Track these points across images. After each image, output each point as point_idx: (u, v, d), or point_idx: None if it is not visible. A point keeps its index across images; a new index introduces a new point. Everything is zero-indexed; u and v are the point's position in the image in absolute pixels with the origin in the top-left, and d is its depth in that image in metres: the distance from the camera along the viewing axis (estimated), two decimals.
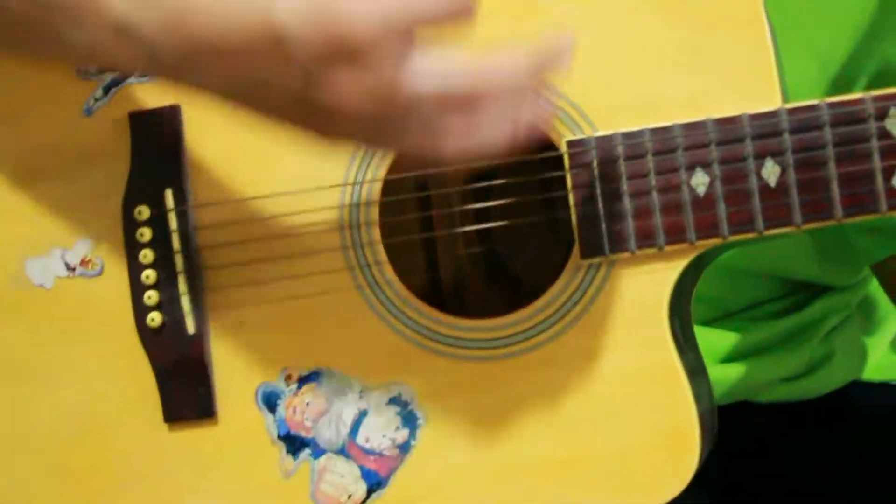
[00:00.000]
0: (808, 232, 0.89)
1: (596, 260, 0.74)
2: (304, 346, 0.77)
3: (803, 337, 0.94)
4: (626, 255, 0.74)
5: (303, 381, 0.78)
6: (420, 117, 0.63)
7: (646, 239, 0.73)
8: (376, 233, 0.76)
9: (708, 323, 0.93)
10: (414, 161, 0.66)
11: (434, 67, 0.62)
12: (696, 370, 0.77)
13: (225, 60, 0.63)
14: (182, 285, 0.78)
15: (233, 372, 0.78)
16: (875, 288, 1.01)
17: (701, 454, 0.74)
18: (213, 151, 0.78)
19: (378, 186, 0.76)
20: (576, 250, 0.74)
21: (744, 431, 0.94)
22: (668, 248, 0.73)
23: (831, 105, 0.71)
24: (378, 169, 0.76)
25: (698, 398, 0.75)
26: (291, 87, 0.62)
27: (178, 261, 0.78)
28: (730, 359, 0.93)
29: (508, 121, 0.64)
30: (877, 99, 0.70)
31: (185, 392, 0.78)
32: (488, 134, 0.64)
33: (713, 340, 0.92)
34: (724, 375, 0.91)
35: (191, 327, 0.78)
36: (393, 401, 0.77)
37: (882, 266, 1.00)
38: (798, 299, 0.95)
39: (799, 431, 0.93)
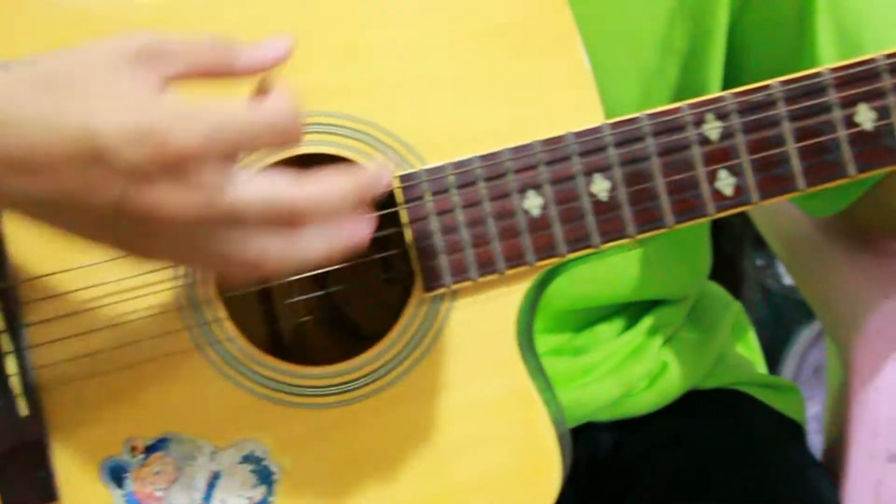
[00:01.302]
0: (652, 248, 0.91)
1: (439, 292, 0.72)
2: (148, 413, 0.73)
3: (639, 352, 0.95)
4: (468, 283, 0.72)
5: (149, 450, 0.73)
6: (241, 234, 0.62)
7: (486, 266, 0.72)
8: (213, 290, 0.73)
9: (546, 352, 0.93)
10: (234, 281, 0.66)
11: (257, 185, 0.62)
12: (547, 394, 0.76)
13: (40, 174, 0.61)
14: (10, 366, 0.72)
15: (73, 450, 0.73)
16: (707, 296, 1.02)
17: (563, 475, 0.73)
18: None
19: None
20: (418, 284, 0.72)
21: (590, 452, 0.94)
22: (509, 273, 0.72)
23: (651, 116, 0.71)
24: None
25: (556, 421, 0.74)
26: (108, 201, 0.61)
27: (4, 341, 0.72)
28: (572, 383, 0.93)
29: (328, 240, 0.64)
30: (693, 106, 0.71)
31: (24, 477, 0.73)
32: (307, 252, 0.64)
33: (553, 367, 0.92)
34: (567, 400, 0.91)
35: (23, 409, 0.73)
36: (246, 458, 0.73)
37: None
38: (630, 316, 0.96)
39: (643, 446, 0.93)
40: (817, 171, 0.70)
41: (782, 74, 0.71)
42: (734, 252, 1.55)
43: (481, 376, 0.73)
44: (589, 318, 0.95)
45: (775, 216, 1.11)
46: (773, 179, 0.71)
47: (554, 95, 0.72)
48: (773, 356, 1.52)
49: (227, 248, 0.63)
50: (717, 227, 1.68)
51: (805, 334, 1.51)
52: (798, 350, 1.51)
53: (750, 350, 1.07)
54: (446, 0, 0.72)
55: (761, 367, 1.08)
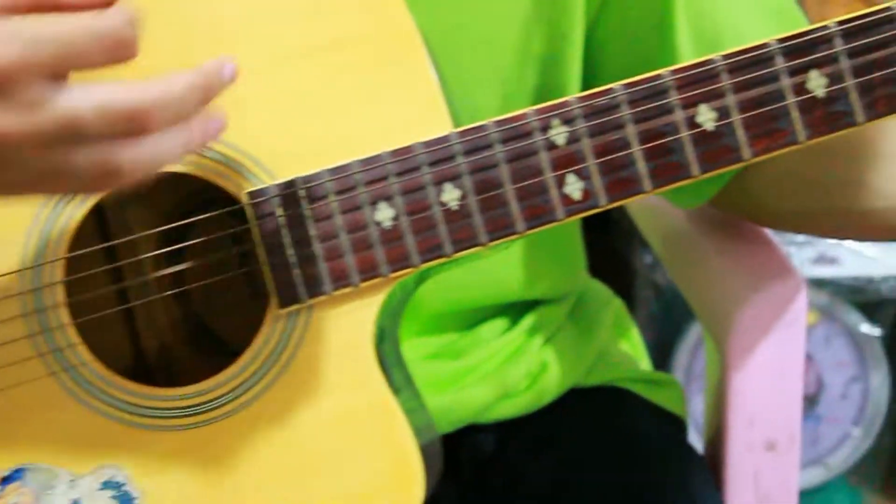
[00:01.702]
0: (521, 251, 0.91)
1: (294, 308, 0.72)
2: (2, 444, 0.71)
3: (519, 352, 0.95)
4: (323, 297, 0.71)
5: (5, 481, 0.71)
6: (84, 147, 0.60)
7: (340, 279, 0.71)
8: (65, 315, 0.71)
9: (426, 356, 0.93)
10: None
11: (93, 93, 0.60)
12: (412, 403, 0.75)
13: None
14: None
15: None
16: (587, 293, 1.02)
17: (427, 487, 0.73)
18: None
19: (60, 265, 0.71)
20: (273, 300, 0.71)
21: (473, 455, 0.94)
22: (363, 285, 0.72)
23: (498, 123, 0.71)
24: (58, 248, 0.71)
25: (418, 431, 0.74)
26: None
27: None
28: (451, 387, 0.92)
29: (180, 138, 0.62)
30: (539, 112, 0.71)
31: None
32: (161, 153, 0.61)
33: (433, 371, 0.92)
34: (447, 404, 0.91)
35: None
36: (106, 485, 0.72)
37: None
38: (511, 316, 0.96)
39: (525, 446, 0.93)
40: (663, 173, 0.71)
41: None
42: (624, 249, 1.56)
43: (339, 390, 0.72)
44: (470, 319, 0.95)
45: (651, 211, 1.11)
46: (620, 182, 0.71)
47: (401, 106, 0.72)
48: (665, 351, 1.53)
49: (73, 165, 0.60)
50: (607, 225, 1.69)
51: (696, 330, 1.52)
52: (689, 345, 1.52)
53: (633, 346, 1.07)
54: (287, 16, 0.71)
55: (645, 363, 1.08)
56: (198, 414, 0.72)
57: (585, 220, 0.99)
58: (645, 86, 0.70)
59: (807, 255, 1.48)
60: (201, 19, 0.71)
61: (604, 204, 0.71)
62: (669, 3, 0.83)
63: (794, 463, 0.96)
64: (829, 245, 1.49)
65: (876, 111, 0.69)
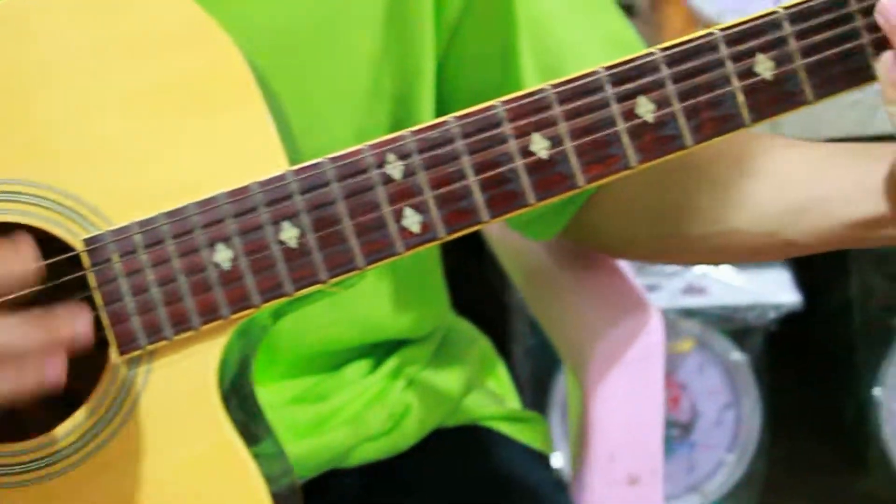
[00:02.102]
0: (383, 289, 0.90)
1: (134, 354, 0.70)
2: None
3: (382, 394, 0.94)
4: (163, 343, 0.70)
5: None
6: None
7: (181, 323, 0.70)
8: None
9: (289, 401, 0.91)
10: None
11: None
12: (267, 448, 0.74)
13: None
14: None
15: None
16: (453, 332, 1.02)
17: None
18: None
19: None
20: (113, 348, 0.70)
21: (338, 500, 0.92)
22: (204, 328, 0.70)
23: (334, 160, 0.71)
24: None
25: (273, 477, 0.72)
26: None
27: None
28: (314, 431, 0.91)
29: (10, 383, 0.63)
30: (374, 147, 0.71)
31: None
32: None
33: (295, 416, 0.90)
34: (309, 449, 0.89)
35: None
36: None
37: None
38: (375, 357, 0.95)
39: (390, 489, 0.92)
40: (500, 202, 0.71)
41: None
42: (499, 283, 1.56)
43: (185, 438, 0.70)
44: (333, 361, 0.94)
45: (512, 246, 1.11)
46: (458, 213, 0.70)
47: (237, 147, 0.71)
48: (543, 386, 1.53)
49: None
50: (481, 259, 1.68)
51: None
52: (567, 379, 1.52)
53: (500, 384, 1.07)
54: (116, 59, 0.70)
55: (513, 400, 1.08)
56: (41, 468, 0.70)
57: (459, 255, 1.00)
58: (478, 117, 0.70)
59: (676, 285, 1.50)
60: (28, 64, 0.70)
61: (443, 235, 0.71)
62: (513, 34, 0.84)
63: (658, 497, 0.96)
64: (697, 275, 1.51)
65: (703, 134, 0.70)
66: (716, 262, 1.09)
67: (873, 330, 1.56)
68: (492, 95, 0.72)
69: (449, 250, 0.95)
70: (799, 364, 1.64)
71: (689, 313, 1.49)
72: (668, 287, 1.49)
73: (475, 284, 1.14)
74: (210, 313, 0.70)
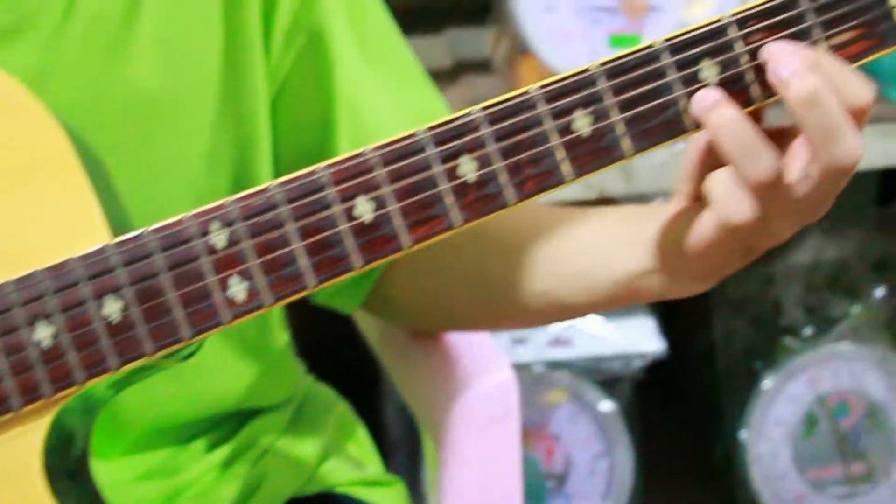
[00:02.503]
0: (229, 360, 0.88)
1: None
2: None
3: (235, 466, 0.91)
4: None
5: None
6: None
7: None
8: None
9: (137, 477, 0.88)
10: None
11: None
12: None
13: None
14: None
15: None
16: (309, 399, 1.00)
17: None
18: None
19: None
20: None
21: None
22: (25, 410, 0.68)
23: (156, 231, 0.69)
24: None
25: None
26: None
27: None
28: None
29: None
30: (197, 216, 0.69)
31: None
32: None
33: (144, 493, 0.88)
34: None
35: None
36: None
37: None
38: (227, 428, 0.92)
39: None
40: (326, 267, 0.69)
41: None
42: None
43: None
44: (183, 434, 0.91)
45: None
46: (284, 279, 0.69)
47: (54, 221, 0.69)
48: (415, 445, 1.51)
49: None
50: (353, 329, 1.66)
51: None
52: None
53: (360, 448, 1.05)
54: None
55: (374, 464, 1.06)
56: None
57: (331, 314, 0.98)
58: (301, 182, 0.69)
59: (542, 338, 1.50)
60: None
61: (270, 303, 0.69)
62: (332, 109, 0.85)
63: None
64: (563, 327, 1.51)
65: (525, 191, 0.70)
66: (527, 325, 1.10)
67: (737, 374, 1.58)
68: (312, 160, 0.71)
69: (321, 311, 0.95)
70: (669, 410, 1.65)
71: (556, 365, 1.49)
72: (535, 340, 1.49)
73: (348, 343, 1.13)
74: (31, 393, 0.67)
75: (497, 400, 0.94)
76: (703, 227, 0.72)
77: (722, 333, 1.59)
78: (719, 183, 0.69)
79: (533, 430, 1.53)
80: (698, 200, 0.73)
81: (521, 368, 1.47)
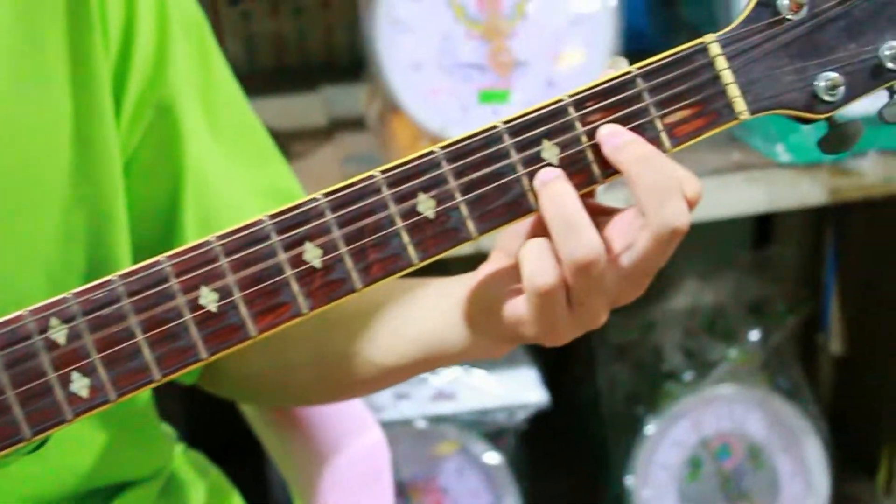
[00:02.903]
0: (91, 436, 0.86)
1: None
2: None
3: None
4: None
5: None
6: None
7: None
8: None
9: None
10: None
11: None
12: None
13: None
14: None
15: None
16: (180, 467, 0.98)
17: None
18: None
19: None
20: None
21: None
22: None
23: None
24: None
25: None
26: None
27: None
28: None
29: None
30: (35, 312, 0.68)
31: None
32: None
33: None
34: None
35: None
36: None
37: None
38: (96, 502, 0.89)
39: None
40: (171, 359, 0.68)
41: None
42: None
43: None
44: None
45: None
46: (128, 373, 0.68)
47: None
48: None
49: None
50: None
51: None
52: None
53: None
54: None
55: None
56: None
57: None
58: (143, 274, 0.68)
59: (425, 392, 1.49)
60: None
61: (114, 398, 0.67)
62: (180, 185, 0.83)
63: None
64: (447, 381, 1.50)
65: (372, 276, 0.69)
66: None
67: (621, 420, 1.58)
68: (159, 244, 0.70)
69: None
70: (556, 459, 1.65)
71: (441, 420, 1.48)
72: (417, 395, 1.48)
73: (231, 407, 1.11)
74: None
75: (368, 463, 0.93)
76: (512, 291, 0.73)
77: (605, 380, 1.60)
78: (534, 247, 0.70)
79: (421, 483, 1.52)
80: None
81: (405, 424, 1.46)
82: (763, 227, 1.71)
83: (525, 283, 0.71)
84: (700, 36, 0.72)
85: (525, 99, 1.30)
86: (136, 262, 0.82)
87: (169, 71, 0.84)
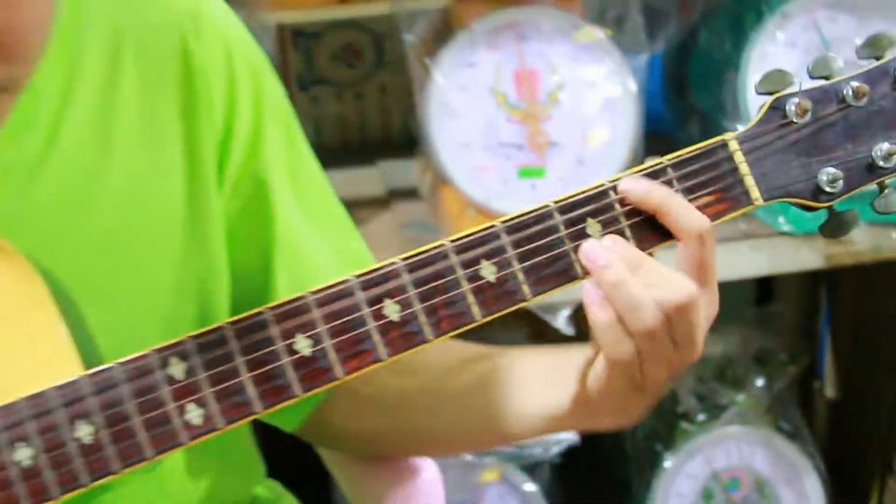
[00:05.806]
0: (190, 466, 0.86)
1: None
2: None
3: None
4: None
5: None
6: None
7: None
8: None
9: None
10: None
11: None
12: None
13: None
14: None
15: None
16: (259, 496, 0.98)
17: None
18: None
19: None
20: None
21: None
22: None
23: (123, 364, 0.71)
24: None
25: None
26: None
27: None
28: None
29: None
30: (159, 351, 0.71)
31: None
32: None
33: None
34: None
35: None
36: None
37: None
38: None
39: None
40: (270, 395, 0.71)
41: None
42: None
43: None
44: None
45: None
46: (234, 406, 0.71)
47: (32, 354, 0.70)
48: None
49: None
50: None
51: None
52: None
53: None
54: None
55: None
56: None
57: None
58: (249, 322, 0.72)
59: None
60: None
61: (222, 426, 0.71)
62: (272, 252, 0.86)
63: None
64: None
65: (441, 329, 0.72)
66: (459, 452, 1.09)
67: (642, 455, 1.60)
68: (257, 299, 0.72)
69: None
70: (585, 489, 1.66)
71: (484, 453, 1.50)
72: None
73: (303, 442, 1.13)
74: None
75: (426, 495, 0.95)
76: (598, 366, 0.75)
77: None
78: (607, 328, 0.72)
79: None
80: None
81: (454, 456, 1.48)
82: (766, 287, 1.72)
83: (605, 357, 0.74)
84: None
85: (559, 175, 1.33)
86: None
87: (263, 149, 0.86)
